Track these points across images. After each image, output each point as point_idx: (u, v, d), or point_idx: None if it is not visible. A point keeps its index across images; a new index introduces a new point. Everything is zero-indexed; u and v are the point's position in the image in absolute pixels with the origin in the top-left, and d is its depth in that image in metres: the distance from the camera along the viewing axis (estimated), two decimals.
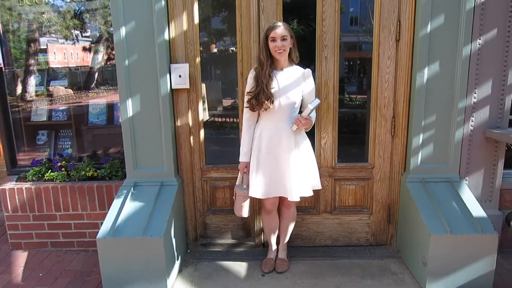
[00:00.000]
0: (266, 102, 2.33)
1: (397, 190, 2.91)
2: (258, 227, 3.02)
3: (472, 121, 2.76)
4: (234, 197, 2.60)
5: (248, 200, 2.55)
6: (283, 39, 2.31)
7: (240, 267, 2.80)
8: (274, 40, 2.31)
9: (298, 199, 2.44)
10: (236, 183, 2.65)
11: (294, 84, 2.43)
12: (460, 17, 2.55)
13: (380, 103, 2.80)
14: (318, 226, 3.03)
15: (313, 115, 2.50)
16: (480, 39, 2.65)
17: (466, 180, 2.83)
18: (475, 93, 2.72)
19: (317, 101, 2.37)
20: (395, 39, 2.70)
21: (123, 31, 2.64)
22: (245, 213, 2.58)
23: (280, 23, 2.33)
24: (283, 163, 2.43)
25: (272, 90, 2.36)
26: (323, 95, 2.81)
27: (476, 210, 2.51)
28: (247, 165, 2.53)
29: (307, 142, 2.55)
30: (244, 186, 2.54)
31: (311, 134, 2.86)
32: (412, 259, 2.67)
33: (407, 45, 2.69)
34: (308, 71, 2.48)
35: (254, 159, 2.48)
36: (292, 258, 2.87)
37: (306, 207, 3.00)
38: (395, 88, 2.76)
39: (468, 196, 2.62)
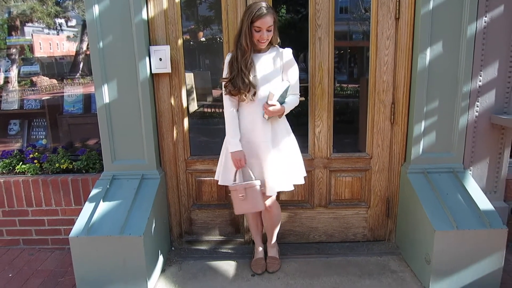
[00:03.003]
0: (246, 93, 2.13)
1: (397, 182, 2.72)
2: (247, 223, 2.81)
3: (477, 107, 2.57)
4: (242, 196, 2.21)
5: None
6: (269, 29, 2.10)
7: (228, 266, 2.60)
8: (259, 30, 2.09)
9: (274, 193, 2.25)
10: (236, 180, 2.28)
11: (273, 69, 2.21)
12: None
13: (378, 88, 2.60)
14: (312, 221, 2.83)
15: (290, 100, 2.24)
16: (486, 17, 2.46)
17: (470, 170, 2.65)
18: (480, 76, 2.53)
19: (284, 86, 2.15)
20: (394, 17, 2.49)
21: (96, 9, 2.42)
22: (262, 204, 2.26)
23: (265, 9, 2.07)
24: (260, 153, 2.23)
25: (250, 77, 2.15)
26: (317, 80, 2.60)
27: (483, 202, 2.33)
28: (243, 154, 2.24)
29: (288, 129, 2.33)
30: (253, 176, 2.23)
31: (305, 124, 2.67)
32: (414, 256, 2.49)
33: (408, 24, 2.48)
34: (287, 50, 2.24)
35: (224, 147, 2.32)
36: (284, 256, 2.67)
37: (299, 201, 2.80)
38: (395, 71, 2.57)
39: (474, 188, 2.43)
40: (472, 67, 2.45)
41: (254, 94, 2.16)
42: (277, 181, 2.24)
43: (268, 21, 2.07)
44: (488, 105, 2.57)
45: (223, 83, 2.21)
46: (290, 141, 2.32)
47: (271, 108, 2.12)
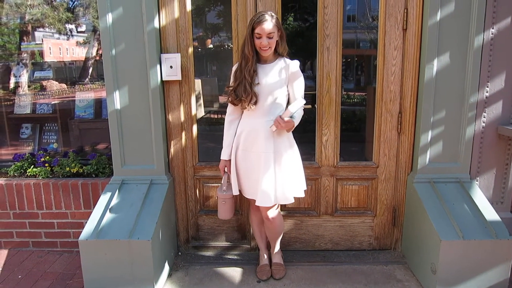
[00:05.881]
0: (246, 101, 2.14)
1: (403, 191, 2.73)
2: (252, 230, 2.83)
3: (484, 117, 2.58)
4: (217, 198, 2.48)
5: (230, 202, 2.40)
6: (269, 37, 2.10)
7: (234, 272, 2.62)
8: (259, 36, 2.10)
9: (267, 204, 2.22)
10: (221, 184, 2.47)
11: (277, 80, 2.20)
12: (472, 4, 2.38)
13: (385, 98, 2.62)
14: (318, 228, 2.85)
15: (298, 114, 2.22)
16: (493, 28, 2.47)
17: (477, 181, 2.65)
18: (487, 87, 2.54)
19: (300, 103, 2.12)
20: (402, 28, 2.52)
21: (109, 18, 2.48)
22: (226, 215, 2.44)
23: (267, 16, 2.08)
24: (257, 163, 2.23)
25: (253, 86, 2.17)
26: (324, 89, 2.63)
27: (489, 213, 2.33)
28: (228, 164, 2.37)
29: (291, 142, 2.31)
30: (224, 188, 2.38)
31: (312, 131, 2.69)
32: (419, 266, 2.49)
33: (415, 34, 2.51)
34: (294, 63, 2.21)
35: (233, 156, 2.34)
36: (290, 263, 2.69)
37: (305, 208, 2.82)
38: (402, 81, 2.59)
39: (480, 198, 2.44)
40: (479, 78, 2.46)
41: (255, 103, 2.17)
42: (273, 193, 2.21)
43: (268, 27, 2.07)
44: (495, 116, 2.58)
45: (228, 92, 2.26)
46: (292, 153, 2.29)
47: (284, 124, 2.10)
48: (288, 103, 2.30)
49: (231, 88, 2.23)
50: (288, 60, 2.24)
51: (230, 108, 2.32)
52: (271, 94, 2.20)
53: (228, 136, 2.34)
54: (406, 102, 2.60)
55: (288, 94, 2.28)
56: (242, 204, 2.80)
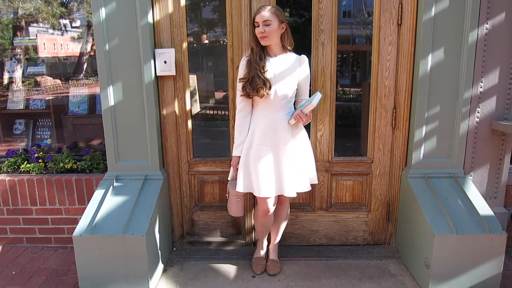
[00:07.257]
0: (263, 88, 2.15)
1: (397, 186, 2.74)
2: (249, 225, 2.84)
3: (478, 113, 2.60)
4: (227, 196, 2.42)
5: (243, 198, 2.39)
6: (266, 24, 2.12)
7: (229, 267, 2.62)
8: (258, 25, 2.15)
9: (295, 195, 2.27)
10: (229, 179, 2.45)
11: (289, 72, 2.24)
12: (466, 0, 2.37)
13: (380, 93, 2.62)
14: (313, 224, 2.85)
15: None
16: (487, 24, 2.49)
17: (470, 176, 2.67)
18: (481, 82, 2.56)
19: (319, 96, 2.16)
20: (396, 23, 2.52)
21: (102, 12, 2.45)
22: (239, 212, 2.44)
23: (266, 7, 2.14)
24: (280, 157, 2.25)
25: (265, 74, 2.19)
26: (319, 84, 2.62)
27: (483, 208, 2.34)
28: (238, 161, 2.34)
29: (304, 132, 2.37)
30: (235, 184, 2.35)
31: (306, 127, 2.69)
32: (413, 260, 2.50)
33: (410, 30, 2.51)
34: (304, 57, 2.30)
35: (244, 153, 2.29)
36: (285, 258, 2.69)
37: (300, 203, 2.82)
38: (397, 76, 2.59)
39: (474, 193, 2.45)
40: (473, 73, 2.47)
41: (270, 87, 2.18)
42: (297, 183, 2.28)
43: (263, 15, 2.11)
44: (489, 111, 2.59)
45: (242, 84, 2.22)
46: (306, 141, 2.37)
47: (305, 119, 2.18)
48: (296, 96, 2.34)
49: (244, 81, 2.20)
50: (297, 55, 2.30)
51: (241, 103, 2.28)
52: (284, 85, 2.22)
53: (242, 132, 2.30)
54: (401, 97, 2.60)
55: (296, 88, 2.31)
56: None
